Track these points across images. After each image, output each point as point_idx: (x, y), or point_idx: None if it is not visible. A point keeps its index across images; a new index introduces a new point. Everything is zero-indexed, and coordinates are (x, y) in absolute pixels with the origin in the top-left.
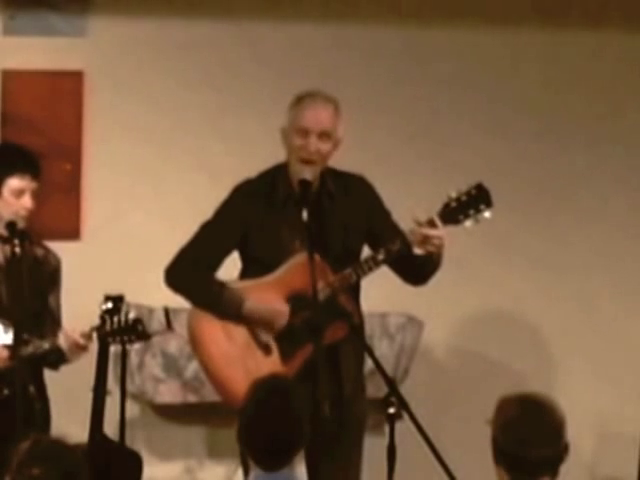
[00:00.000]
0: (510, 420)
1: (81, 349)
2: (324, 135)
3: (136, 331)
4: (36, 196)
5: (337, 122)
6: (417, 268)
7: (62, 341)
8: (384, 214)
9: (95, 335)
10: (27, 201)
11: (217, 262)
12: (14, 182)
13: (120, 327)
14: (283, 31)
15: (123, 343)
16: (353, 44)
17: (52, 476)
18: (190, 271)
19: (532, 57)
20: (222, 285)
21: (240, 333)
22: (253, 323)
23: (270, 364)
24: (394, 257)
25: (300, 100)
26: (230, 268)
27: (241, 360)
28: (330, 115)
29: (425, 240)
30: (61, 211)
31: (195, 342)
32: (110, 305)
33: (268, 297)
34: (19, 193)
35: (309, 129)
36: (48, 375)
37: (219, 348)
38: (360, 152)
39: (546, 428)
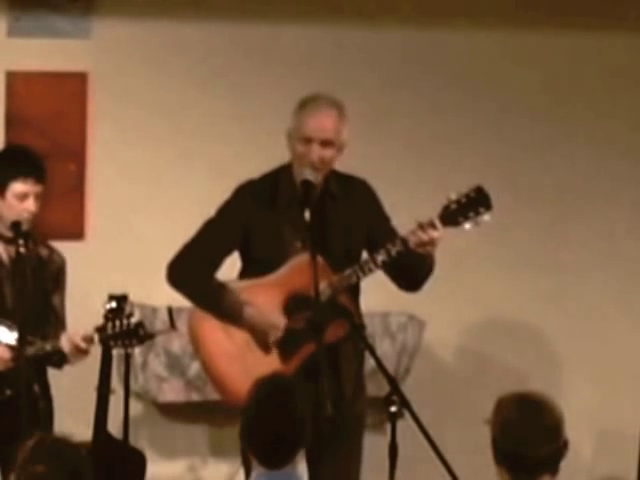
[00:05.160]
0: (508, 420)
1: (82, 353)
2: (327, 143)
3: (137, 335)
4: (40, 199)
5: (341, 127)
6: (411, 272)
7: (64, 344)
8: (384, 219)
9: (97, 338)
10: (30, 204)
11: (218, 261)
12: (18, 186)
13: (122, 331)
14: (287, 33)
15: (125, 347)
16: (356, 47)
17: (56, 474)
18: (191, 270)
19: (534, 59)
20: (223, 287)
21: (240, 332)
22: (250, 330)
23: (270, 363)
24: (394, 258)
25: (304, 105)
26: (230, 268)
27: (241, 359)
28: (333, 122)
29: (427, 242)
30: (65, 211)
31: (195, 341)
32: (114, 305)
33: (268, 303)
34: (23, 197)
35: (312, 138)
36: (52, 374)
37: (219, 347)
38: (362, 155)
39: (544, 426)
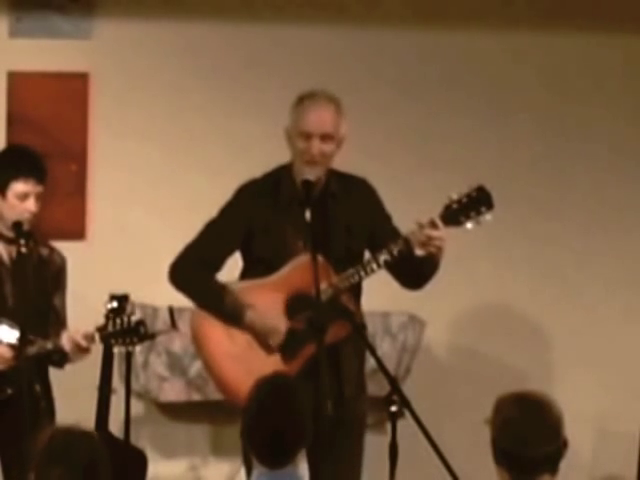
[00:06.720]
0: (508, 420)
1: (83, 351)
2: (327, 137)
3: (138, 333)
4: (41, 199)
5: (339, 121)
6: (416, 270)
7: (65, 342)
8: (385, 218)
9: (98, 336)
10: (31, 205)
11: (220, 261)
12: (19, 186)
13: (122, 329)
14: (285, 34)
15: (126, 345)
16: (355, 47)
17: (73, 471)
18: (193, 270)
19: (534, 59)
20: (223, 289)
21: (242, 332)
22: (251, 333)
23: (272, 363)
24: (396, 258)
25: (301, 101)
26: (231, 268)
27: (243, 359)
28: (332, 116)
29: (427, 241)
30: (66, 211)
31: (197, 341)
32: (115, 304)
33: (270, 303)
34: (23, 197)
35: (311, 132)
36: (53, 374)
37: (221, 347)
38: (362, 154)
39: (544, 426)
